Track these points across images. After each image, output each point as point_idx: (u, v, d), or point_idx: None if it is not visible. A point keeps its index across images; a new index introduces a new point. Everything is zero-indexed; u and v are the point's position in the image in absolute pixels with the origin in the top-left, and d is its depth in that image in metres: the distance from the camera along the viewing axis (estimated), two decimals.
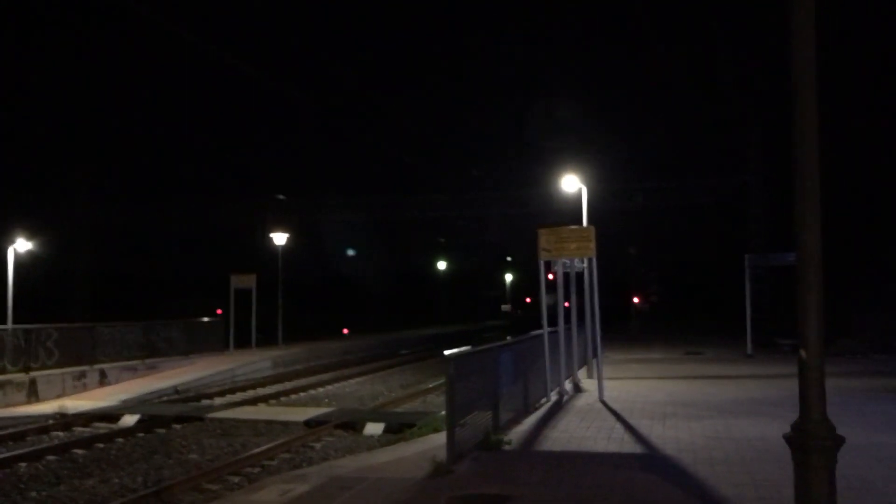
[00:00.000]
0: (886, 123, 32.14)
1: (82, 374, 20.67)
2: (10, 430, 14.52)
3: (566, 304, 16.69)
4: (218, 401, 19.20)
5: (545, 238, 15.10)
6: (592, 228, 15.29)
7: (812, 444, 4.84)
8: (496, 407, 11.01)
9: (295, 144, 70.30)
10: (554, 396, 14.95)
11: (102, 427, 15.40)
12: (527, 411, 12.99)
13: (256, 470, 11.30)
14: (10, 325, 23.06)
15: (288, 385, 22.57)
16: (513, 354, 12.63)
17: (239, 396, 20.14)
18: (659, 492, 7.53)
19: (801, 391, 4.97)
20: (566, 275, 16.63)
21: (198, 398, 19.40)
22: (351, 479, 8.45)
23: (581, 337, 18.74)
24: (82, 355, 21.29)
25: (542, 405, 14.01)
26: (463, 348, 10.11)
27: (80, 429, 15.32)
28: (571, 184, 18.44)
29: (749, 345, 25.61)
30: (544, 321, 15.28)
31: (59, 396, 19.12)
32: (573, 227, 16.09)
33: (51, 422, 15.56)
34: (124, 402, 18.25)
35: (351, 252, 60.81)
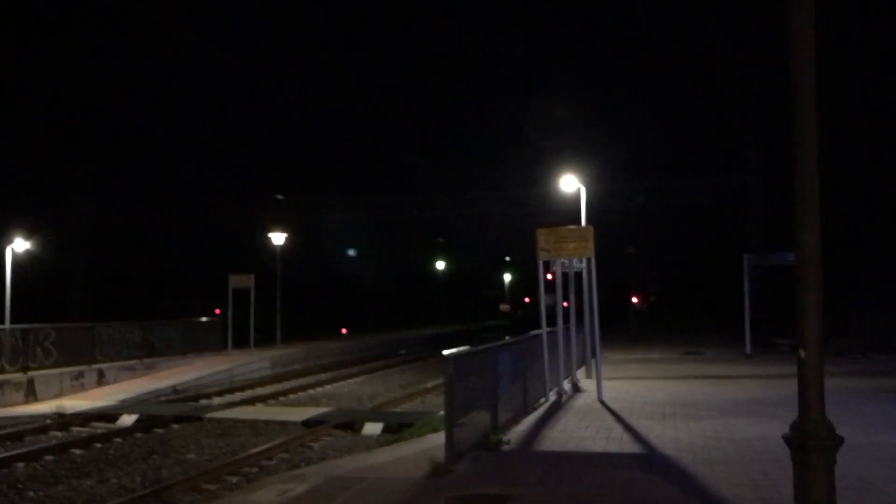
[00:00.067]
0: (886, 123, 32.15)
1: (80, 374, 20.66)
2: (8, 430, 14.50)
3: (565, 304, 16.68)
4: (216, 401, 19.19)
5: (544, 238, 15.09)
6: (591, 228, 15.28)
7: (811, 443, 4.83)
8: (495, 407, 11.00)
9: (294, 144, 70.23)
10: (553, 396, 14.95)
11: (101, 427, 15.38)
12: (526, 411, 12.98)
13: (255, 470, 11.29)
14: (7, 324, 23.03)
15: (286, 385, 22.57)
16: (512, 354, 12.63)
17: (237, 396, 20.13)
18: (658, 492, 7.52)
19: (800, 391, 4.96)
20: (565, 275, 16.62)
21: (196, 398, 19.39)
22: (349, 478, 8.44)
23: (580, 337, 18.75)
24: (80, 355, 21.28)
25: (541, 405, 14.00)
26: (462, 348, 10.10)
27: (78, 429, 15.30)
28: (570, 184, 18.45)
29: (748, 345, 25.61)
30: (543, 321, 15.28)
31: (57, 396, 19.11)
32: (572, 227, 16.08)
33: (49, 422, 15.54)
34: (122, 401, 18.23)
35: (350, 252, 60.82)
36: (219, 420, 15.65)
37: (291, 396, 20.31)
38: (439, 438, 9.60)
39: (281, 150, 67.44)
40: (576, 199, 18.56)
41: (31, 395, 18.63)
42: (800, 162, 5.01)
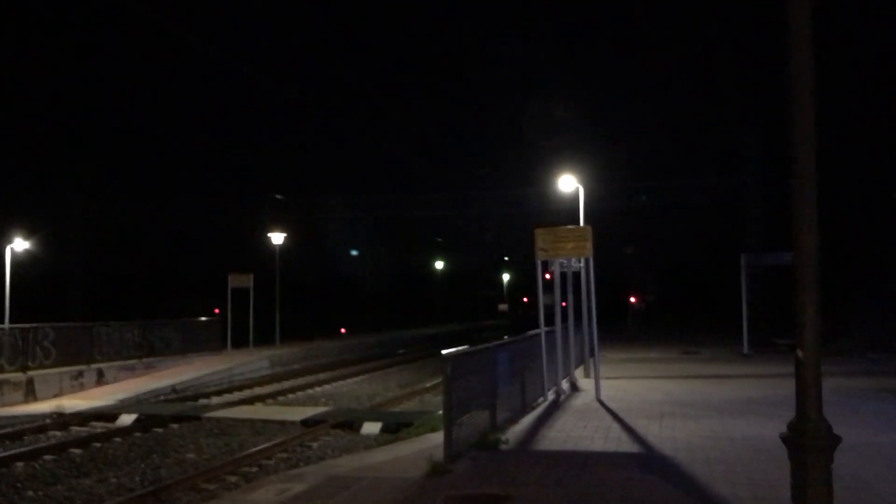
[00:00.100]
0: (883, 122, 32.18)
1: (80, 374, 20.66)
2: (8, 430, 14.51)
3: (563, 304, 16.70)
4: (215, 400, 19.20)
5: (542, 238, 15.11)
6: (589, 228, 15.30)
7: (808, 443, 4.84)
8: (493, 406, 11.02)
9: (294, 144, 70.28)
10: (551, 396, 14.97)
11: (100, 426, 15.39)
12: (524, 411, 12.99)
13: (254, 469, 11.30)
14: (7, 324, 23.06)
15: (285, 384, 22.57)
16: (510, 354, 12.64)
17: (236, 396, 20.14)
18: (656, 491, 7.54)
19: (797, 391, 4.98)
20: (563, 274, 16.64)
21: (195, 398, 19.40)
22: (348, 478, 8.45)
23: (578, 336, 18.77)
24: (80, 355, 21.28)
25: (539, 404, 14.02)
26: (460, 348, 10.12)
27: (77, 428, 15.31)
28: (568, 184, 18.46)
29: (746, 344, 25.66)
30: (541, 321, 15.31)
31: (56, 396, 19.12)
32: (570, 226, 16.09)
33: (48, 421, 15.54)
34: (122, 401, 18.24)
35: (349, 252, 60.84)
36: (218, 420, 15.65)
37: (290, 396, 20.31)
38: (438, 438, 9.62)
39: (281, 150, 67.50)
40: (574, 199, 18.58)
41: (30, 394, 18.63)
42: (798, 162, 5.02)
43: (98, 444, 13.34)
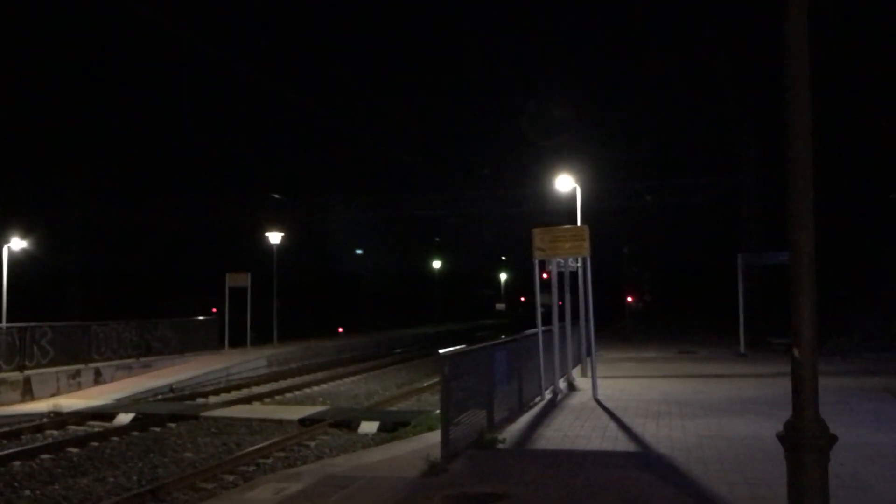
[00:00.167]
0: (879, 122, 32.24)
1: (77, 373, 20.65)
2: (5, 429, 14.49)
3: (559, 303, 16.72)
4: (213, 399, 19.20)
5: (540, 237, 15.13)
6: (586, 228, 15.31)
7: (805, 442, 4.86)
8: (490, 406, 11.03)
9: (292, 144, 70.30)
10: (548, 395, 14.98)
11: (97, 426, 15.38)
12: (521, 410, 13.01)
13: (251, 468, 11.30)
14: (4, 323, 23.04)
15: (283, 384, 22.58)
16: (507, 353, 12.65)
17: (234, 395, 20.14)
18: (653, 490, 7.55)
19: (794, 390, 4.99)
20: (560, 274, 16.66)
21: (193, 397, 19.39)
22: (345, 477, 8.46)
23: (575, 336, 18.77)
24: (77, 354, 21.26)
25: (536, 404, 14.03)
26: (457, 347, 10.13)
27: (74, 427, 15.30)
28: (566, 183, 18.48)
29: (742, 344, 25.70)
30: (538, 320, 15.33)
31: (53, 395, 19.10)
32: (567, 226, 16.11)
33: (45, 420, 15.53)
34: (119, 400, 18.23)
35: (347, 251, 60.84)
36: (215, 419, 15.64)
37: (288, 395, 20.31)
38: (435, 437, 9.63)
39: (279, 150, 67.54)
40: (571, 199, 18.60)
41: (27, 393, 18.61)
42: (794, 161, 5.04)
43: (95, 444, 13.34)
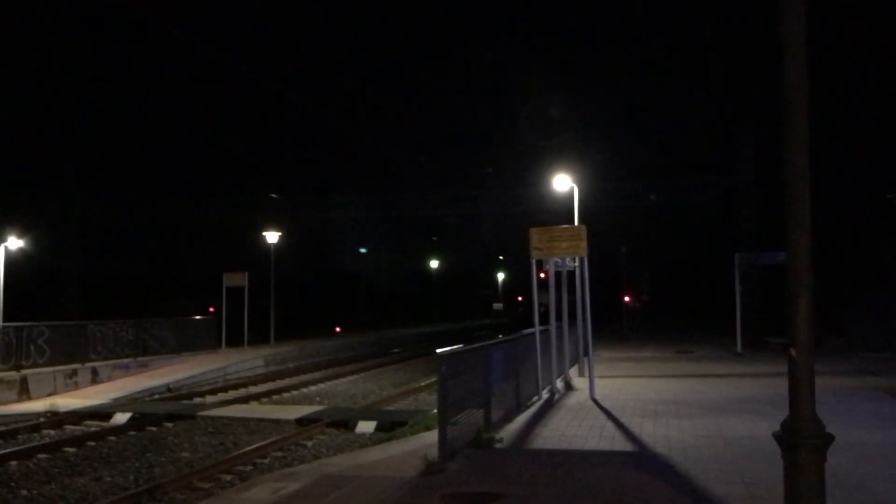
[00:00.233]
0: (876, 122, 32.26)
1: (74, 373, 20.63)
2: (1, 429, 14.47)
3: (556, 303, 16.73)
4: (210, 399, 19.19)
5: (537, 237, 15.13)
6: (584, 228, 15.32)
7: (801, 442, 4.86)
8: (488, 405, 11.03)
9: (290, 143, 70.29)
10: (545, 394, 14.99)
11: (94, 425, 15.37)
12: (518, 409, 13.01)
13: (248, 468, 11.30)
14: (0, 322, 22.97)
15: (280, 383, 22.57)
16: (505, 353, 12.66)
17: (231, 395, 20.13)
18: (649, 490, 7.56)
19: (790, 389, 5.00)
20: (558, 273, 16.66)
21: (190, 396, 19.38)
22: (342, 477, 8.46)
23: (572, 335, 18.77)
24: (74, 353, 21.24)
25: (533, 403, 14.04)
26: (455, 347, 10.13)
27: (71, 427, 15.29)
28: (563, 183, 18.49)
29: (739, 343, 25.73)
30: (536, 320, 15.33)
31: (50, 394, 19.08)
32: (565, 226, 16.11)
33: (42, 420, 15.52)
34: (116, 400, 18.21)
35: (345, 251, 60.86)
36: (212, 418, 15.64)
37: (285, 395, 20.30)
38: (432, 437, 9.63)
39: (278, 150, 67.54)
40: (569, 199, 18.61)
41: (24, 393, 18.59)
42: (792, 162, 5.04)
43: (92, 443, 13.33)
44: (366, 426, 14.38)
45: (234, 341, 30.89)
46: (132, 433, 14.39)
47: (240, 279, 31.19)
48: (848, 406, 13.00)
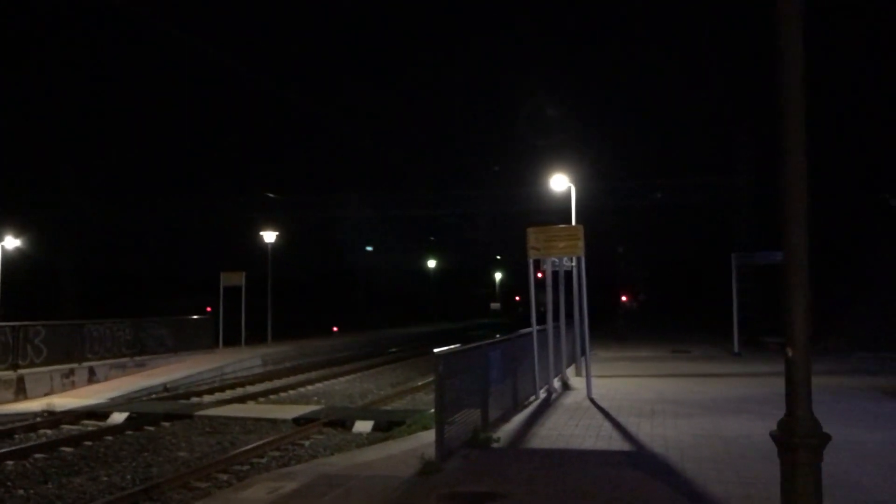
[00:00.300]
0: (873, 122, 32.32)
1: (71, 372, 20.60)
2: None
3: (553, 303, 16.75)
4: (207, 398, 19.17)
5: (534, 237, 15.15)
6: (581, 227, 15.33)
7: (798, 441, 4.88)
8: (485, 405, 11.04)
9: (289, 143, 70.28)
10: (542, 394, 15.00)
11: (91, 425, 15.34)
12: (515, 409, 13.03)
13: (245, 468, 11.29)
14: None
15: (277, 383, 22.55)
16: (502, 352, 12.66)
17: (228, 394, 20.11)
18: (646, 489, 7.57)
19: (787, 389, 5.01)
20: (555, 273, 16.68)
21: (187, 396, 19.35)
22: (340, 476, 8.46)
23: (569, 335, 18.80)
24: (71, 353, 21.20)
25: (530, 403, 14.05)
26: (452, 346, 10.13)
27: (68, 426, 15.26)
28: (560, 182, 18.50)
29: (736, 343, 25.77)
30: (533, 319, 15.34)
31: (47, 394, 19.05)
32: (562, 225, 16.13)
33: (39, 419, 15.49)
34: (113, 399, 18.18)
35: (343, 250, 60.87)
36: (209, 418, 15.62)
37: (282, 394, 20.29)
38: (430, 436, 9.63)
39: (276, 149, 67.52)
40: (566, 198, 18.62)
41: (21, 392, 18.56)
42: (788, 162, 5.05)
43: (89, 443, 13.31)
44: (363, 426, 14.38)
45: (232, 341, 30.87)
46: (129, 433, 14.37)
47: (237, 279, 31.17)
48: (845, 406, 13.03)
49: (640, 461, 8.87)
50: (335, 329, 46.83)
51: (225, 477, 10.73)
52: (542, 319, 16.01)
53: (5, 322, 21.55)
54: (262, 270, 33.16)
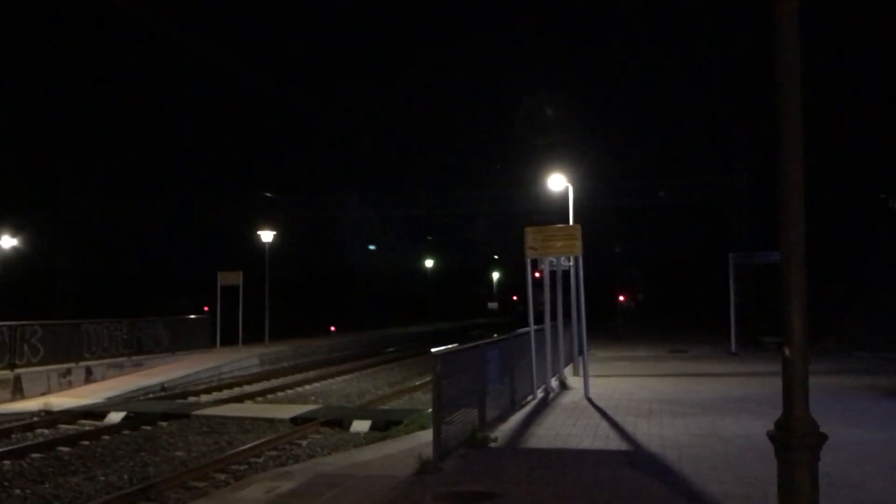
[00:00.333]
0: (871, 122, 32.35)
1: (68, 372, 20.57)
2: None
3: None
4: (204, 398, 19.16)
5: (532, 236, 15.14)
6: (578, 227, 15.33)
7: (795, 441, 4.87)
8: (483, 404, 11.03)
9: (287, 143, 70.24)
10: (540, 394, 15.00)
11: (88, 424, 15.32)
12: (513, 409, 13.02)
13: (243, 467, 11.28)
14: None
15: (275, 382, 22.54)
16: (499, 352, 12.65)
17: (225, 394, 20.10)
18: (644, 489, 7.56)
19: (784, 388, 5.01)
20: (553, 273, 16.68)
21: (184, 395, 19.34)
22: (337, 476, 8.45)
23: (567, 335, 18.80)
24: (68, 352, 21.16)
25: (528, 402, 14.04)
26: (450, 346, 10.13)
27: (65, 426, 15.24)
28: (558, 182, 18.50)
29: (733, 343, 25.79)
30: (531, 319, 15.34)
31: (44, 394, 19.01)
32: (559, 225, 16.13)
33: (36, 419, 15.47)
34: (110, 399, 18.16)
35: (340, 250, 60.83)
36: (207, 417, 15.60)
37: (280, 394, 20.28)
38: (427, 436, 9.63)
39: (274, 149, 67.50)
40: (564, 198, 18.63)
41: (17, 392, 18.53)
42: (785, 162, 5.05)
43: (86, 442, 13.28)
44: (361, 425, 14.37)
45: (229, 340, 30.83)
46: (126, 432, 14.35)
47: (234, 278, 31.12)
48: (843, 405, 13.03)
49: (637, 461, 8.86)
50: (333, 329, 46.81)
51: (222, 476, 10.72)
52: (539, 319, 16.01)
53: (2, 321, 21.52)
54: (262, 270, 33.13)
